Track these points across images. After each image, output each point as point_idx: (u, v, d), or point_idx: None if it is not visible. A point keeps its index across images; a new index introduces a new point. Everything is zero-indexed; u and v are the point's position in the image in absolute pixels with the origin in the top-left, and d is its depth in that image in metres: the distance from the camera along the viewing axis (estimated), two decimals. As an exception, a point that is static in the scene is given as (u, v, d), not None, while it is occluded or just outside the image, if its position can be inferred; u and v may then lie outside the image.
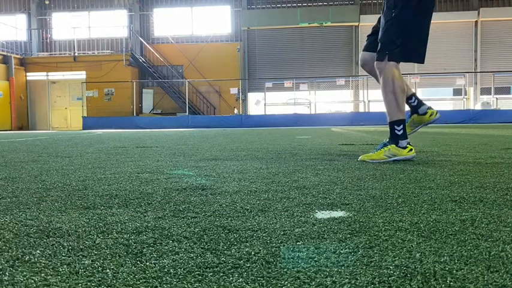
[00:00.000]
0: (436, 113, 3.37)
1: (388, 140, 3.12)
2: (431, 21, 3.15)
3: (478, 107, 21.59)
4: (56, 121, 24.50)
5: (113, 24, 24.55)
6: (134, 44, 24.08)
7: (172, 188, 1.96)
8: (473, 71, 22.74)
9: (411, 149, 3.05)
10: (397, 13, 3.01)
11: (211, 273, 0.88)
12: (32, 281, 0.85)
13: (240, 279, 0.84)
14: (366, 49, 3.39)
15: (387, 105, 3.13)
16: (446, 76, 22.34)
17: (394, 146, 3.04)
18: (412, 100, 3.35)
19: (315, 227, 1.24)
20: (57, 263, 0.95)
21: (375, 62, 3.15)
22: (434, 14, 3.16)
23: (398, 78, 3.09)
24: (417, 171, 2.43)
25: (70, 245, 1.09)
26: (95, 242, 1.12)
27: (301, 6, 23.58)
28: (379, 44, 3.12)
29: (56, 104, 24.49)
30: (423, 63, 3.19)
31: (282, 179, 2.23)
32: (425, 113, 3.34)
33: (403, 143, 3.04)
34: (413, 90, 3.41)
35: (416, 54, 3.14)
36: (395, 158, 3.01)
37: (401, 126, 3.07)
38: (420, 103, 3.35)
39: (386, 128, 3.18)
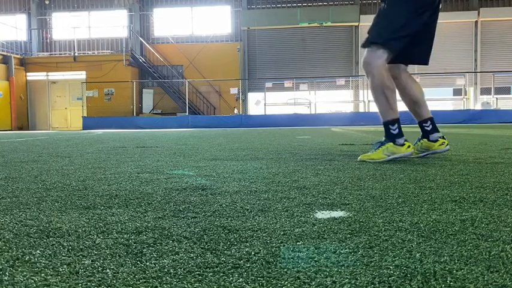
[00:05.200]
0: (447, 144, 3.22)
1: (384, 138, 3.09)
2: None
3: (478, 107, 21.59)
4: (56, 121, 24.49)
5: (113, 24, 24.54)
6: (134, 44, 24.08)
7: (172, 188, 1.96)
8: (473, 71, 22.74)
9: (409, 146, 3.02)
10: (387, 7, 3.01)
11: (211, 273, 0.88)
12: (32, 281, 0.85)
13: (240, 279, 0.84)
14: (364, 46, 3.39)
15: (379, 106, 3.09)
16: (446, 76, 22.33)
17: (392, 144, 3.01)
18: (427, 124, 3.22)
19: (315, 227, 1.24)
20: (57, 263, 0.95)
21: (365, 52, 3.11)
22: None
23: (388, 78, 3.04)
24: (417, 171, 2.43)
25: (70, 245, 1.09)
26: (95, 242, 1.12)
27: (301, 6, 23.58)
28: (368, 36, 3.12)
29: (56, 104, 24.48)
30: (408, 64, 3.19)
31: (282, 179, 2.22)
32: (436, 141, 3.20)
33: (400, 140, 3.01)
34: (431, 115, 3.28)
35: (404, 54, 3.10)
36: (395, 156, 2.99)
37: (396, 125, 3.02)
38: (434, 129, 3.22)
39: (386, 128, 3.18)
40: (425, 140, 3.24)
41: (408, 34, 3.01)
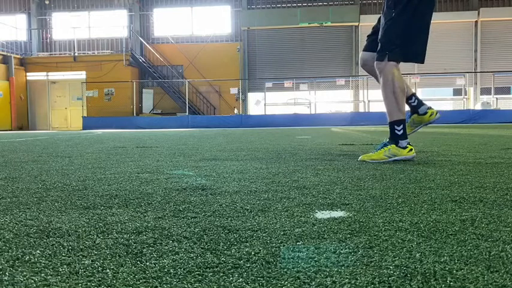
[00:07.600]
0: (436, 113, 3.36)
1: (388, 140, 3.12)
2: (431, 21, 3.15)
3: (478, 107, 21.58)
4: (56, 121, 24.50)
5: (113, 24, 24.54)
6: (134, 44, 24.08)
7: (172, 188, 1.96)
8: (473, 71, 22.74)
9: (411, 149, 3.05)
10: (397, 13, 3.01)
11: (211, 273, 0.88)
12: (32, 281, 0.85)
13: (240, 279, 0.84)
14: (366, 49, 3.39)
15: (387, 105, 3.13)
16: (446, 76, 22.33)
17: (394, 146, 3.04)
18: (412, 100, 3.34)
19: (315, 227, 1.24)
20: (57, 263, 0.95)
21: (375, 62, 3.16)
22: (434, 14, 3.15)
23: (399, 78, 3.09)
24: (417, 171, 2.43)
25: (70, 245, 1.09)
26: (95, 242, 1.12)
27: (301, 6, 23.58)
28: (379, 44, 3.12)
29: (56, 104, 24.49)
30: (423, 63, 3.19)
31: (282, 179, 2.22)
32: (425, 113, 3.34)
33: (403, 143, 3.04)
34: (413, 90, 3.42)
35: (416, 55, 3.14)
36: (395, 158, 3.01)
37: (402, 126, 3.07)
38: (420, 103, 3.35)
39: (387, 128, 3.19)
40: (415, 115, 3.36)
41: (423, 38, 3.09)
